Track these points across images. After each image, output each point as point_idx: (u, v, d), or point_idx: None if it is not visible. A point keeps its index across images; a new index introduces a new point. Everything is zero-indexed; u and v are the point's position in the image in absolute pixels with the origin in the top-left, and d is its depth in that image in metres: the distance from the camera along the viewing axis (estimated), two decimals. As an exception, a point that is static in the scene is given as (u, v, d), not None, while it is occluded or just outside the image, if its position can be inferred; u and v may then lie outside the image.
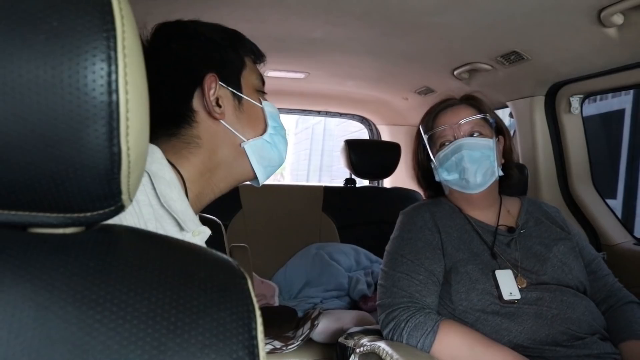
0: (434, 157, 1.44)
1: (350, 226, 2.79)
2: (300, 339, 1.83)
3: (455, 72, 2.16)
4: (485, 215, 1.44)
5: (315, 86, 2.76)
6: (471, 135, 1.39)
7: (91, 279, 0.40)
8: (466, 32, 1.73)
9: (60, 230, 0.44)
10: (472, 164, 1.36)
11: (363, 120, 3.54)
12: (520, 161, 2.19)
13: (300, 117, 14.87)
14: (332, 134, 13.63)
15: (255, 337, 0.42)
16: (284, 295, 2.44)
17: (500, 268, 1.31)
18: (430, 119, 1.48)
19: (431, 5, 1.51)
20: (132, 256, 0.44)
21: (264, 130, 1.00)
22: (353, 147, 2.80)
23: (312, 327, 1.86)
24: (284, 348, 1.80)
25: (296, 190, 2.99)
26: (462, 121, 1.40)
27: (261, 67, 1.06)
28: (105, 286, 0.40)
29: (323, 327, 1.87)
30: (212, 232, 0.93)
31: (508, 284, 1.27)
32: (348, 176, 2.98)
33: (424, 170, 1.53)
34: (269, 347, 1.81)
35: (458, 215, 1.44)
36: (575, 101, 2.01)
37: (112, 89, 0.38)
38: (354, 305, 2.34)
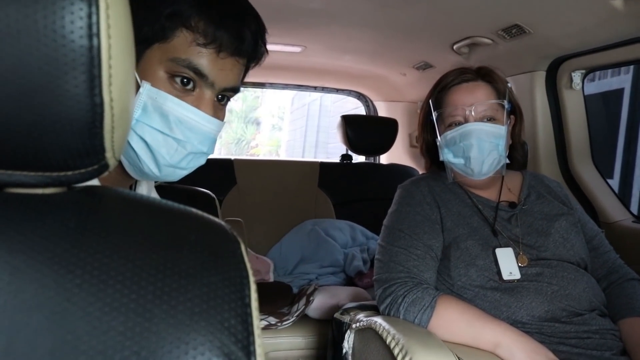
0: (440, 136, 1.37)
1: (346, 202, 2.77)
2: (296, 315, 1.82)
3: (454, 47, 2.12)
4: (486, 191, 1.41)
5: (312, 60, 2.71)
6: (483, 119, 1.31)
7: (71, 240, 0.37)
8: (467, 5, 1.68)
9: (39, 191, 0.41)
10: (479, 154, 1.29)
11: (360, 96, 3.49)
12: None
13: (296, 95, 14.76)
14: (327, 111, 13.55)
15: (248, 305, 0.39)
16: (279, 271, 2.42)
17: (500, 245, 1.28)
18: (442, 94, 1.39)
19: (433, -26, 1.47)
20: (116, 218, 0.41)
21: None
22: (350, 123, 2.77)
23: (308, 303, 1.84)
24: (279, 324, 1.79)
25: (292, 165, 2.97)
26: (477, 104, 1.31)
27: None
28: (86, 249, 0.37)
29: (318, 303, 1.86)
30: (206, 207, 0.89)
31: (508, 263, 1.24)
32: (344, 153, 2.96)
33: (428, 144, 1.47)
34: (264, 322, 1.79)
35: (458, 190, 1.40)
36: (576, 77, 1.98)
37: (92, 32, 0.34)
38: (349, 281, 2.32)
